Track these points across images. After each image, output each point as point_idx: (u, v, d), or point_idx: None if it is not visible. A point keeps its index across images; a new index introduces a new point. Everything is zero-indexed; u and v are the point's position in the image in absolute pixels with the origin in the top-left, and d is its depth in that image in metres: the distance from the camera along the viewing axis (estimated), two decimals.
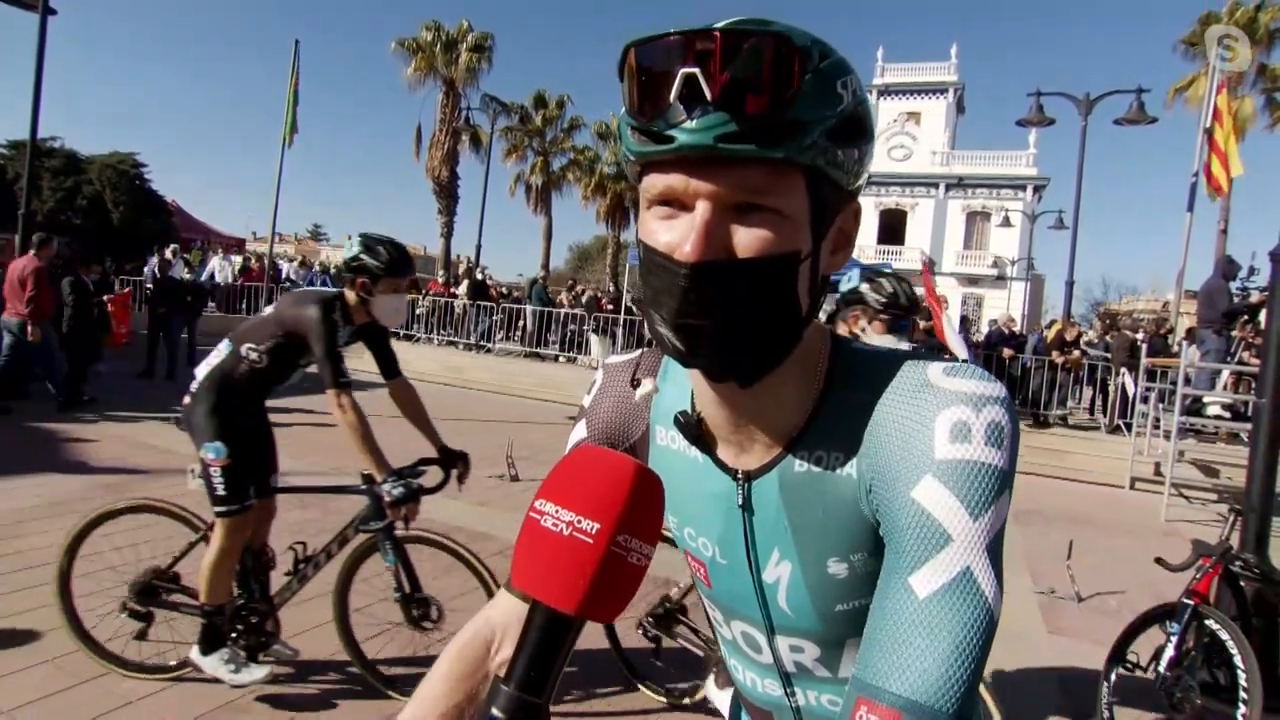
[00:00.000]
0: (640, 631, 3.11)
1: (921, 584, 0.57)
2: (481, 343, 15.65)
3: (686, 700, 3.07)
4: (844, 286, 2.76)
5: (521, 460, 6.71)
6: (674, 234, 0.62)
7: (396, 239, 2.95)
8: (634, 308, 14.05)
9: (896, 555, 0.60)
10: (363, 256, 2.82)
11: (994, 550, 0.58)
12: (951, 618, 0.55)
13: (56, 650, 2.98)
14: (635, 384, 0.87)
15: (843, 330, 2.68)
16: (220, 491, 2.78)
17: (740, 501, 0.75)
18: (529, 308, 15.55)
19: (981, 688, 2.20)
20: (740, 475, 0.75)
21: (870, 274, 2.68)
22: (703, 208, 0.60)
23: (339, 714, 2.84)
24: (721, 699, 2.79)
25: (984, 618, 0.55)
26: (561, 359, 14.88)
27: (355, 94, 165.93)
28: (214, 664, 2.79)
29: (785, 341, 0.67)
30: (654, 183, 0.63)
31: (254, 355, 2.86)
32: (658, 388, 0.84)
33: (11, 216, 10.09)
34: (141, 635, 2.94)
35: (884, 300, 2.59)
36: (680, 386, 0.79)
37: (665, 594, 3.14)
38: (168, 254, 11.47)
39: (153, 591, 2.97)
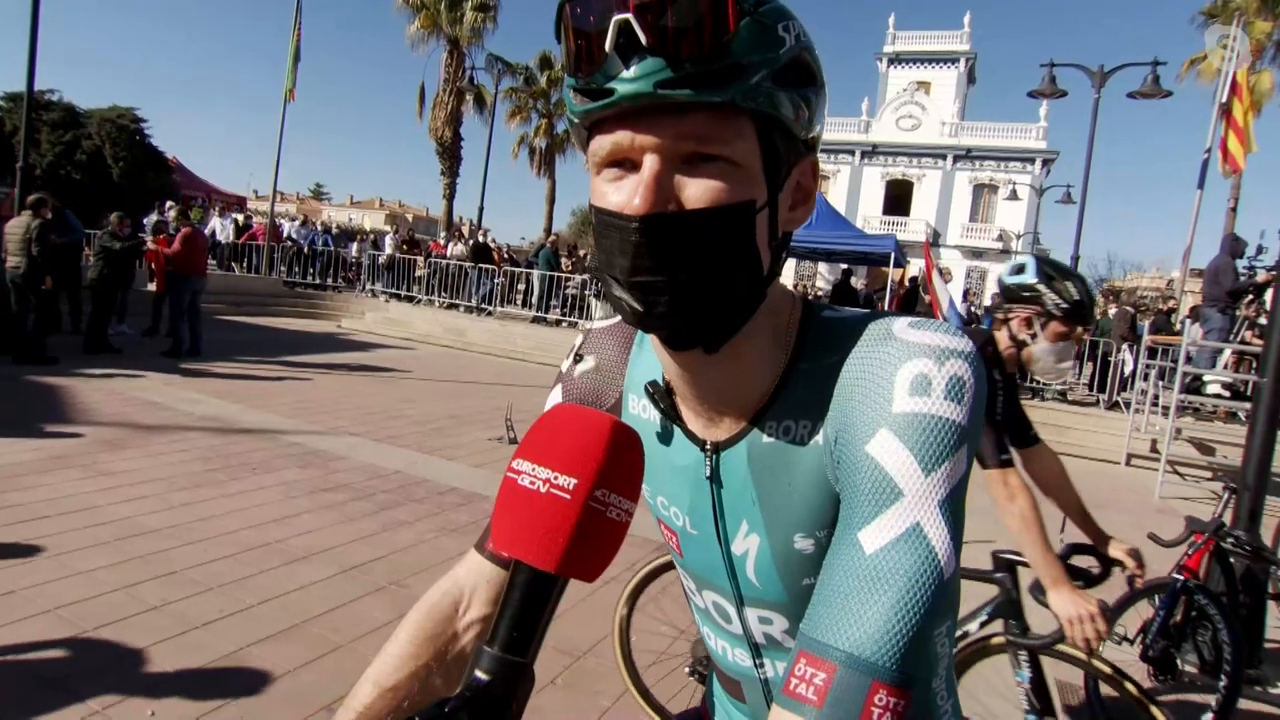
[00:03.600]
0: (694, 676, 2.57)
1: (870, 539, 0.56)
2: (483, 305, 15.62)
3: None
4: (1011, 278, 2.30)
5: (520, 423, 6.73)
6: (623, 193, 0.60)
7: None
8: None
9: (849, 510, 0.59)
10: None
11: (949, 507, 0.57)
12: (897, 573, 0.53)
13: (54, 602, 3.02)
14: (578, 359, 0.87)
15: (1004, 332, 2.27)
16: None
17: (708, 473, 0.75)
18: (535, 272, 15.48)
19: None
20: (708, 446, 0.74)
21: (1050, 270, 2.25)
22: (650, 161, 0.59)
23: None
24: None
25: (932, 574, 0.54)
26: (564, 323, 14.87)
27: (360, 52, 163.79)
28: None
29: (747, 298, 0.65)
30: (600, 144, 0.61)
31: None
32: (599, 366, 0.84)
33: (10, 170, 9.99)
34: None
35: (1066, 306, 2.19)
36: (654, 354, 0.78)
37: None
38: (169, 214, 11.40)
39: None
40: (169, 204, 15.10)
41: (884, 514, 0.56)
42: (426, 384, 9.59)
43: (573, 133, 0.66)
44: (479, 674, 0.54)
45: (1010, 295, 2.27)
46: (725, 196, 0.59)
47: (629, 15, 0.55)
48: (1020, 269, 2.28)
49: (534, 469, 0.55)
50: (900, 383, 0.60)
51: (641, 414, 0.80)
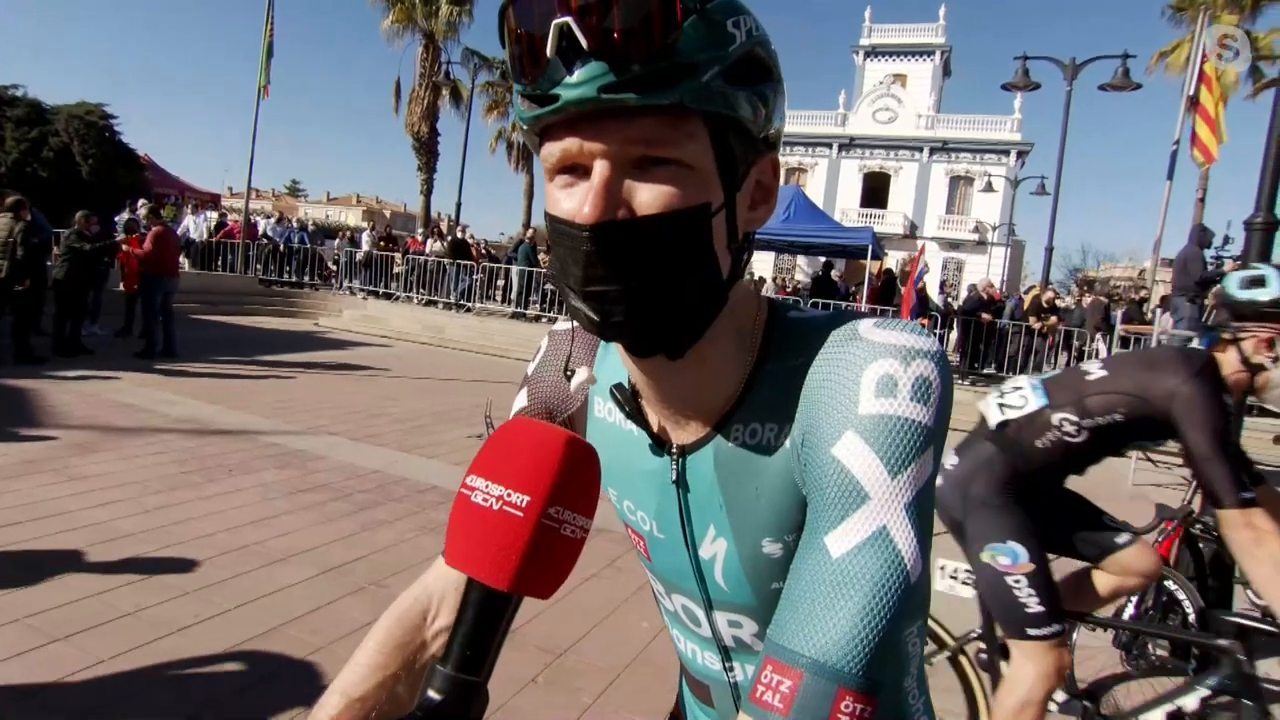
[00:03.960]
0: None
1: (836, 543, 0.55)
2: (461, 302, 15.52)
3: None
4: (1244, 292, 2.01)
5: (500, 419, 6.65)
6: (574, 200, 0.59)
7: None
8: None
9: (815, 515, 0.59)
10: None
11: (915, 510, 0.56)
12: (863, 577, 0.53)
13: (24, 610, 2.97)
14: (569, 375, 0.83)
15: (1231, 354, 1.99)
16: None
17: (674, 477, 0.74)
18: (515, 268, 15.39)
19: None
20: (674, 450, 0.73)
21: None
22: (600, 167, 0.57)
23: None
24: None
25: (898, 578, 0.53)
26: (544, 319, 14.82)
27: (334, 45, 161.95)
28: None
29: (706, 304, 0.63)
30: (551, 151, 0.60)
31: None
32: (594, 377, 0.81)
33: None
34: None
35: None
36: (619, 358, 0.77)
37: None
38: (140, 211, 11.22)
39: None
40: (140, 202, 14.84)
41: (850, 518, 0.56)
42: (405, 382, 9.53)
43: (526, 139, 0.65)
44: (432, 693, 0.54)
45: (1243, 312, 1.98)
46: (678, 201, 0.58)
47: (569, 19, 0.53)
48: (1258, 281, 2.00)
49: (487, 485, 0.54)
50: (866, 384, 0.59)
51: (607, 417, 0.79)
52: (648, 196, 0.58)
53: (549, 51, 0.55)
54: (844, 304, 14.73)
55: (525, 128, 0.62)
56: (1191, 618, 2.98)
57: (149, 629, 2.92)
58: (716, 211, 0.60)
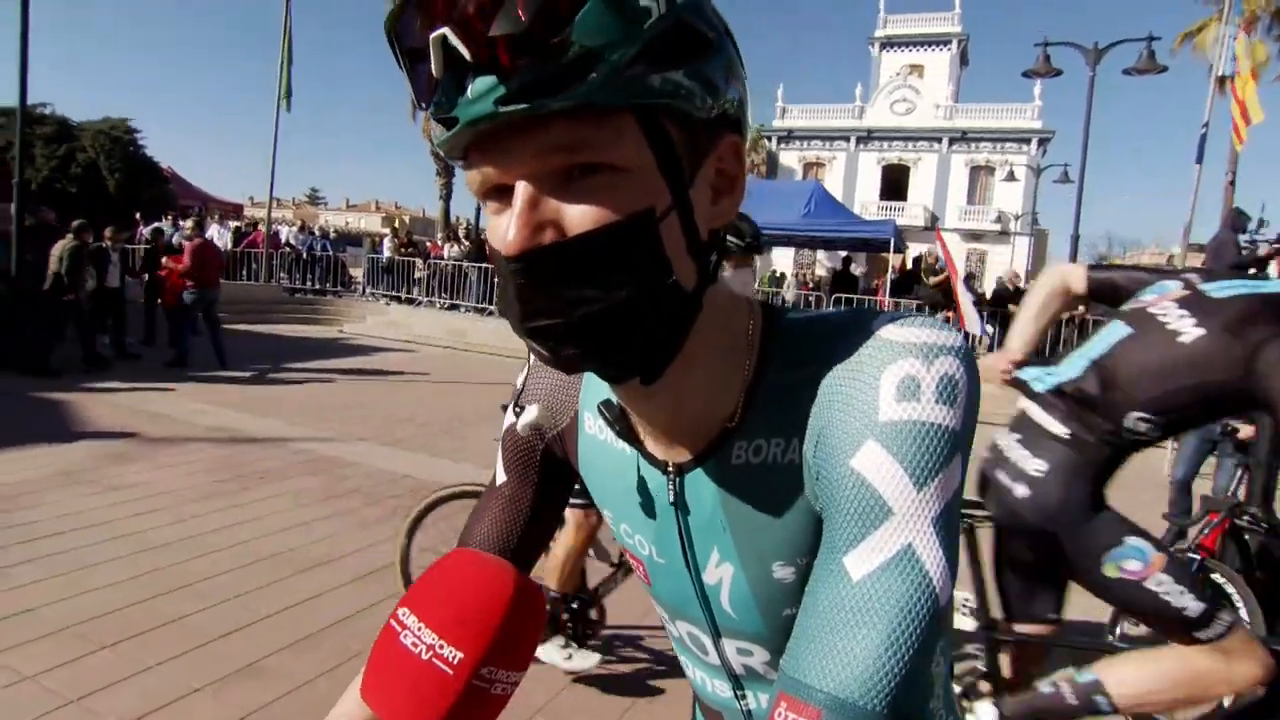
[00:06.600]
0: None
1: (856, 564, 0.50)
2: (483, 305, 15.59)
3: None
4: None
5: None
6: (503, 226, 0.52)
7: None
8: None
9: (832, 534, 0.54)
10: None
11: (943, 523, 0.52)
12: (887, 602, 0.48)
13: (70, 619, 3.01)
14: (518, 410, 0.76)
15: None
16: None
17: (671, 498, 0.68)
18: None
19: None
20: (670, 469, 0.67)
21: None
22: (520, 189, 0.51)
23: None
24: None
25: (926, 601, 0.49)
26: None
27: (350, 52, 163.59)
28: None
29: (673, 321, 0.57)
30: (472, 178, 0.54)
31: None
32: (544, 420, 0.76)
33: (4, 185, 9.96)
34: None
35: None
36: None
37: None
38: (186, 224, 11.37)
39: None
40: (184, 217, 15.02)
41: (872, 535, 0.51)
42: (431, 386, 9.59)
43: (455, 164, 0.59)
44: None
45: None
46: (614, 211, 0.51)
47: (446, 30, 0.47)
48: None
49: (419, 628, 0.50)
50: (885, 387, 0.54)
51: (598, 435, 0.74)
52: (577, 212, 0.51)
53: (435, 70, 0.49)
54: (866, 299, 14.63)
55: (444, 154, 0.55)
56: (1242, 611, 2.90)
57: (190, 636, 2.95)
58: (665, 215, 0.53)
